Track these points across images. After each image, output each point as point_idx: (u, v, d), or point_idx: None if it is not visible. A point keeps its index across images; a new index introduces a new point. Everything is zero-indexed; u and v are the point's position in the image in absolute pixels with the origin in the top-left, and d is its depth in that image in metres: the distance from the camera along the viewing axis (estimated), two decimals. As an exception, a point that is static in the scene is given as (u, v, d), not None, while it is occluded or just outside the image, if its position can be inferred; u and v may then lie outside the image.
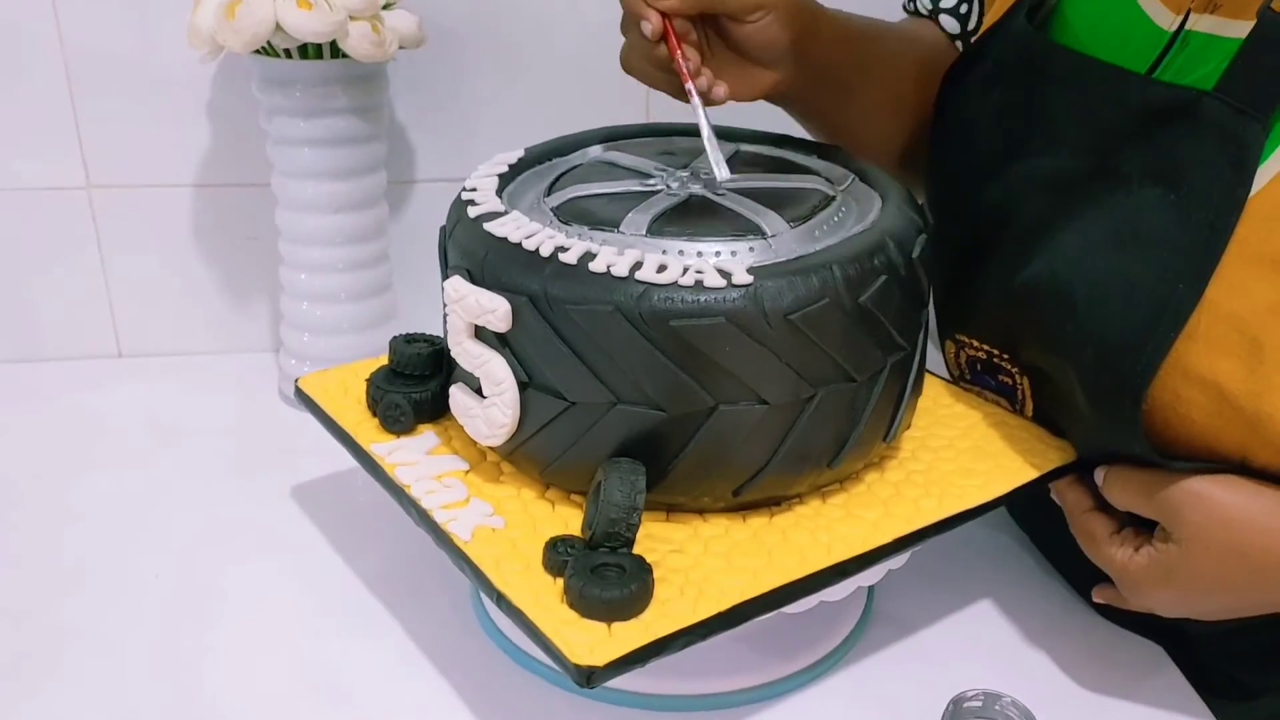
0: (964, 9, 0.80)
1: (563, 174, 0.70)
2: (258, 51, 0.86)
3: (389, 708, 0.66)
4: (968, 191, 0.72)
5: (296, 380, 0.77)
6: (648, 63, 0.67)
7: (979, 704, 0.56)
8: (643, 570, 0.56)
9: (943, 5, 0.81)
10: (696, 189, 0.66)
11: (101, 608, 0.73)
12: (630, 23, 0.67)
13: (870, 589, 0.74)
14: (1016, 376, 0.71)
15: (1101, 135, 0.64)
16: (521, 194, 0.69)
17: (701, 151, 0.66)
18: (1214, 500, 0.59)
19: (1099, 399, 0.62)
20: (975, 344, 0.73)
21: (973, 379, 0.75)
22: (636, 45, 0.68)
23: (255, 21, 0.82)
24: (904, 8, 0.85)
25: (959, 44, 0.81)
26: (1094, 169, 0.64)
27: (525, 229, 0.61)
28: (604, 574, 0.55)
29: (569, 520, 0.63)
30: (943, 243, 0.70)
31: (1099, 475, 0.66)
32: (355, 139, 0.91)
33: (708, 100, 0.66)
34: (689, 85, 0.66)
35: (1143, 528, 0.64)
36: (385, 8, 0.89)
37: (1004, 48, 0.72)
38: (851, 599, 0.67)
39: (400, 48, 0.89)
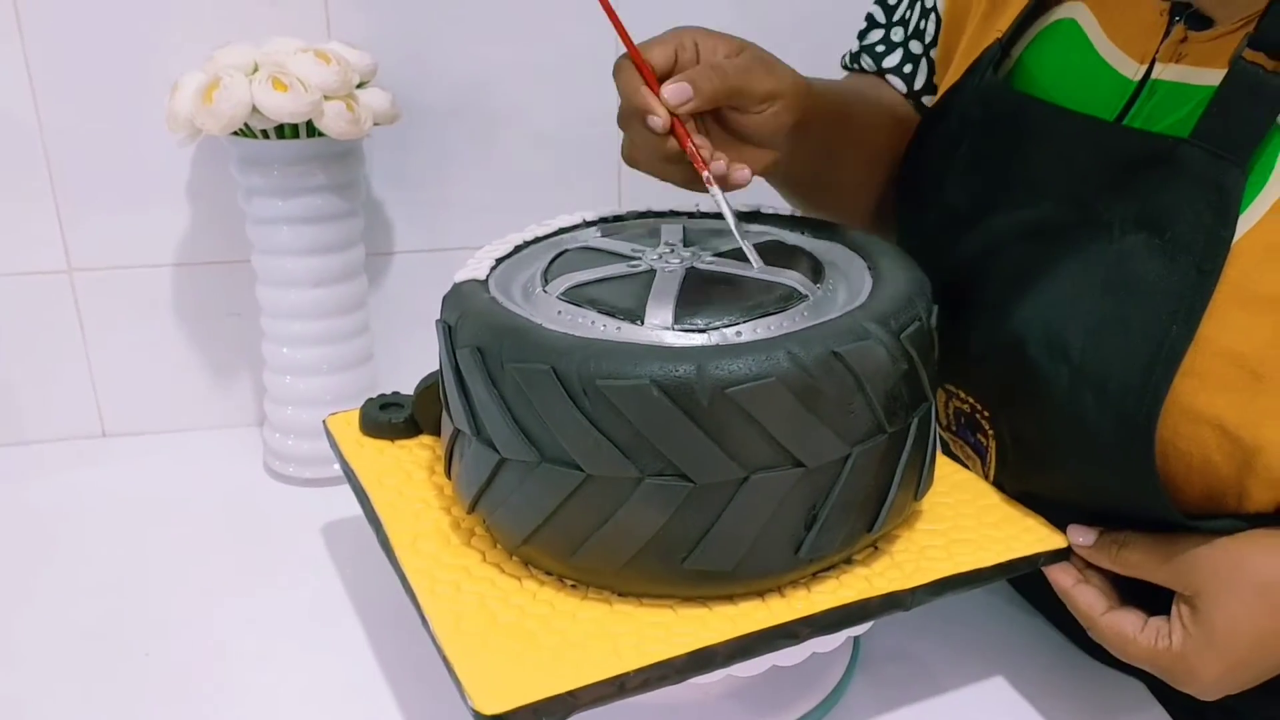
0: (908, 69, 0.82)
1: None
2: (235, 133, 0.87)
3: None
4: (942, 246, 0.73)
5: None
6: (655, 157, 0.67)
7: None
8: None
9: (885, 65, 0.83)
10: (689, 263, 0.67)
11: (93, 688, 0.73)
12: (632, 117, 0.67)
13: (857, 638, 0.75)
14: (989, 439, 0.72)
15: (1082, 184, 0.65)
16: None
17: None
18: (1235, 554, 0.60)
19: (1106, 447, 0.62)
20: (962, 395, 0.73)
21: (957, 431, 0.76)
22: (641, 140, 0.67)
23: (232, 104, 0.84)
24: (843, 65, 0.86)
25: (910, 102, 0.83)
26: (1076, 218, 0.65)
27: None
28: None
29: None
30: (930, 275, 0.69)
31: (1083, 541, 0.66)
32: (333, 215, 0.92)
33: (727, 185, 0.66)
34: (706, 174, 0.66)
35: (1157, 613, 0.63)
36: (359, 86, 0.91)
37: (970, 103, 0.73)
38: (840, 648, 0.68)
39: (375, 124, 0.91)
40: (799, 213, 0.77)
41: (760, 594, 0.62)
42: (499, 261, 0.71)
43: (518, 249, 0.74)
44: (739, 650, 0.59)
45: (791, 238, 0.73)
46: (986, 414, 0.71)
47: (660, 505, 0.58)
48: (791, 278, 0.65)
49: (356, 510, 0.74)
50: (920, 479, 0.65)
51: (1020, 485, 0.71)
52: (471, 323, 0.62)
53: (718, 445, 0.56)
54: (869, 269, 0.68)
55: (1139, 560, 0.64)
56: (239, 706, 0.72)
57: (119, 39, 0.95)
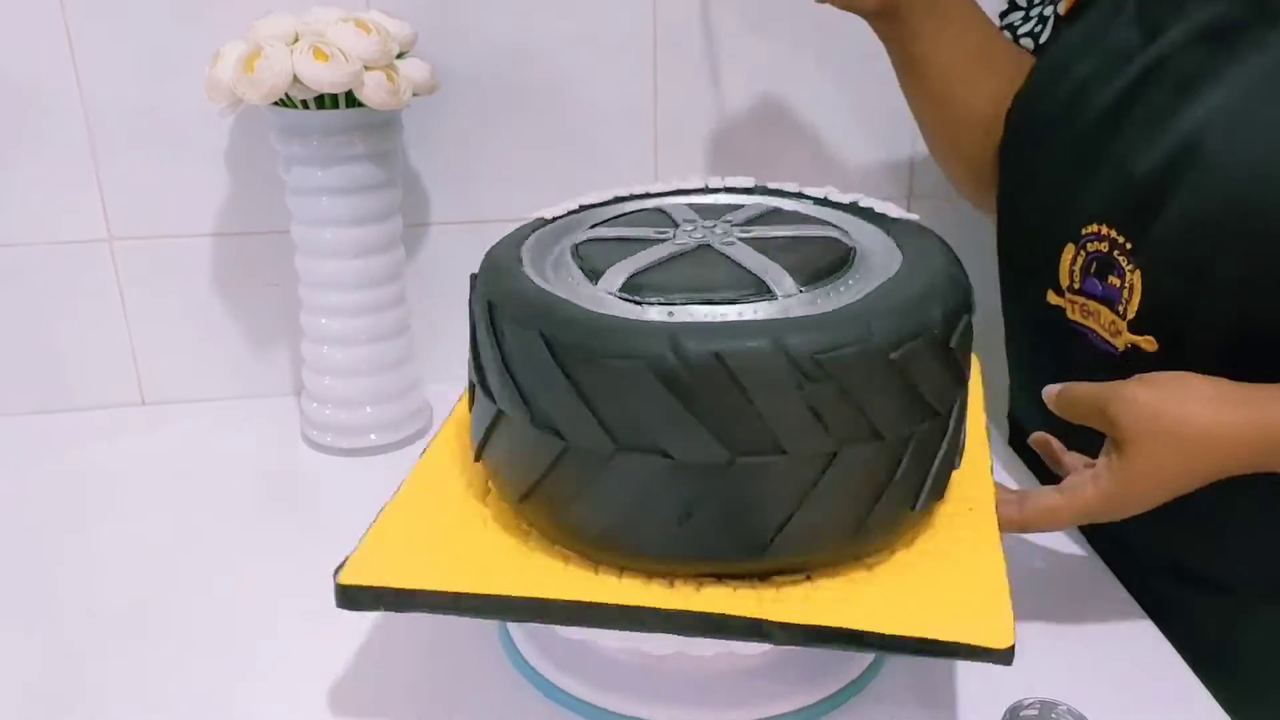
0: (1037, 29, 0.83)
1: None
2: (276, 103, 0.88)
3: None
4: (1099, 81, 0.72)
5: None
6: None
7: (1035, 713, 0.56)
8: None
9: (1020, 32, 0.84)
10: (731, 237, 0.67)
11: (132, 654, 0.74)
12: None
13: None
14: (1129, 274, 0.70)
15: None
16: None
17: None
18: (1144, 397, 0.63)
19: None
20: (1104, 231, 0.72)
21: (1081, 287, 0.75)
22: None
23: (273, 74, 0.84)
24: None
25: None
26: (1255, 13, 0.64)
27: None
28: None
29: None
30: (1058, 145, 0.71)
31: (1050, 390, 0.70)
32: (372, 185, 0.93)
33: None
34: None
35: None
36: (399, 57, 0.91)
37: None
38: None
39: (414, 95, 0.91)
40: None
41: (651, 576, 0.60)
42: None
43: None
44: (574, 613, 0.59)
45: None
46: (1129, 245, 0.70)
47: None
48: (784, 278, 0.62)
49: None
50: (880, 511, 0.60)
51: (1161, 323, 0.70)
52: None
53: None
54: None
55: (1081, 397, 0.67)
56: (276, 671, 0.73)
57: (160, 8, 0.95)
